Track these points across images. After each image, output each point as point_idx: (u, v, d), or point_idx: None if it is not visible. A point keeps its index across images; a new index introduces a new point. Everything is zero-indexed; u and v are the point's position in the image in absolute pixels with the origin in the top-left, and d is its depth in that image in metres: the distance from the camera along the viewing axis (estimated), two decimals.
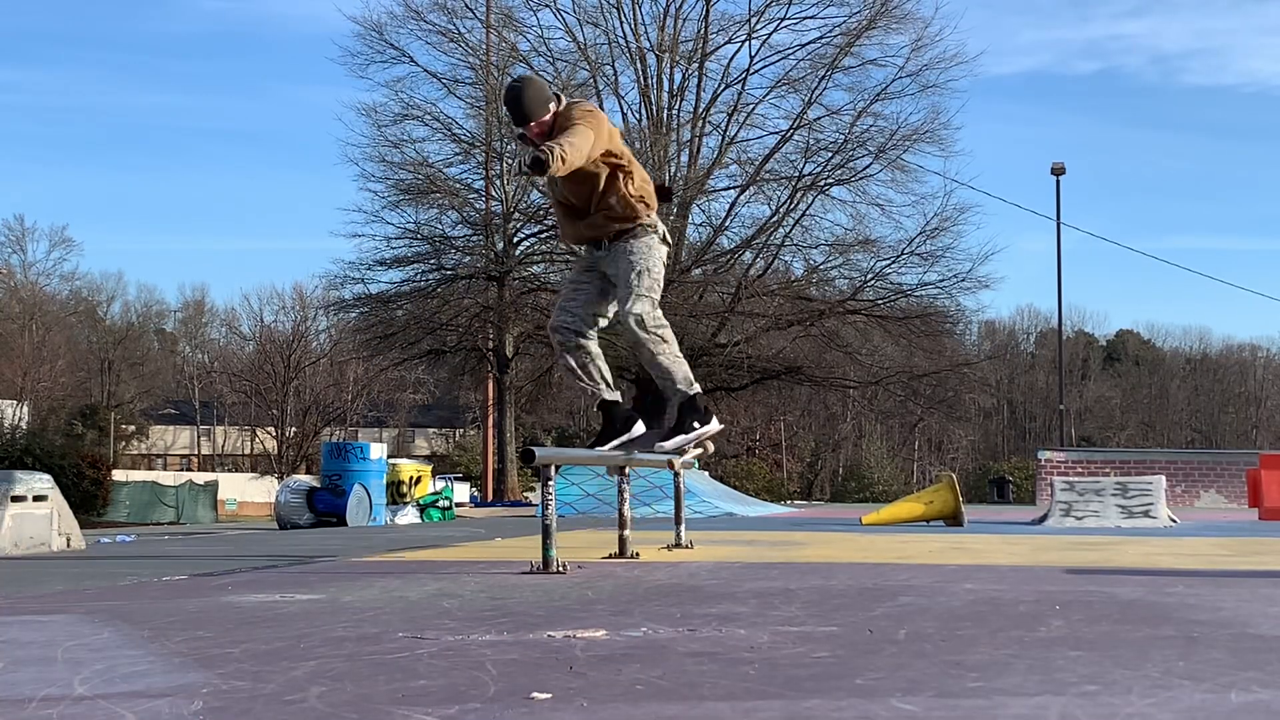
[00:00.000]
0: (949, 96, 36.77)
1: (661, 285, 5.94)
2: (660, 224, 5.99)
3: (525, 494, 33.76)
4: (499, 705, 2.22)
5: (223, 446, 73.66)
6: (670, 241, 6.14)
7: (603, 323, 6.02)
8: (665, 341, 5.82)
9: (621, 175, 5.80)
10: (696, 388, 5.93)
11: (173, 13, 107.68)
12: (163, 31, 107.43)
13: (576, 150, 5.41)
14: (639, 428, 5.93)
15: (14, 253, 66.10)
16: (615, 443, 5.89)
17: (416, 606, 3.95)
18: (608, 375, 5.95)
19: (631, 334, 5.77)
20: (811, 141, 33.20)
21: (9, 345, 57.78)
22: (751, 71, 33.80)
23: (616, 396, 5.98)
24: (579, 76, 33.47)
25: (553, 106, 5.65)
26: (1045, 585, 4.74)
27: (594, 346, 5.95)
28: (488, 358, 34.48)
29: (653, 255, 5.86)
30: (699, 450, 6.15)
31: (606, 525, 9.12)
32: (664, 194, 6.21)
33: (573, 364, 5.94)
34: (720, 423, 6.09)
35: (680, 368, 5.88)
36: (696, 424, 5.92)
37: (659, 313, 5.85)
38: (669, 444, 5.90)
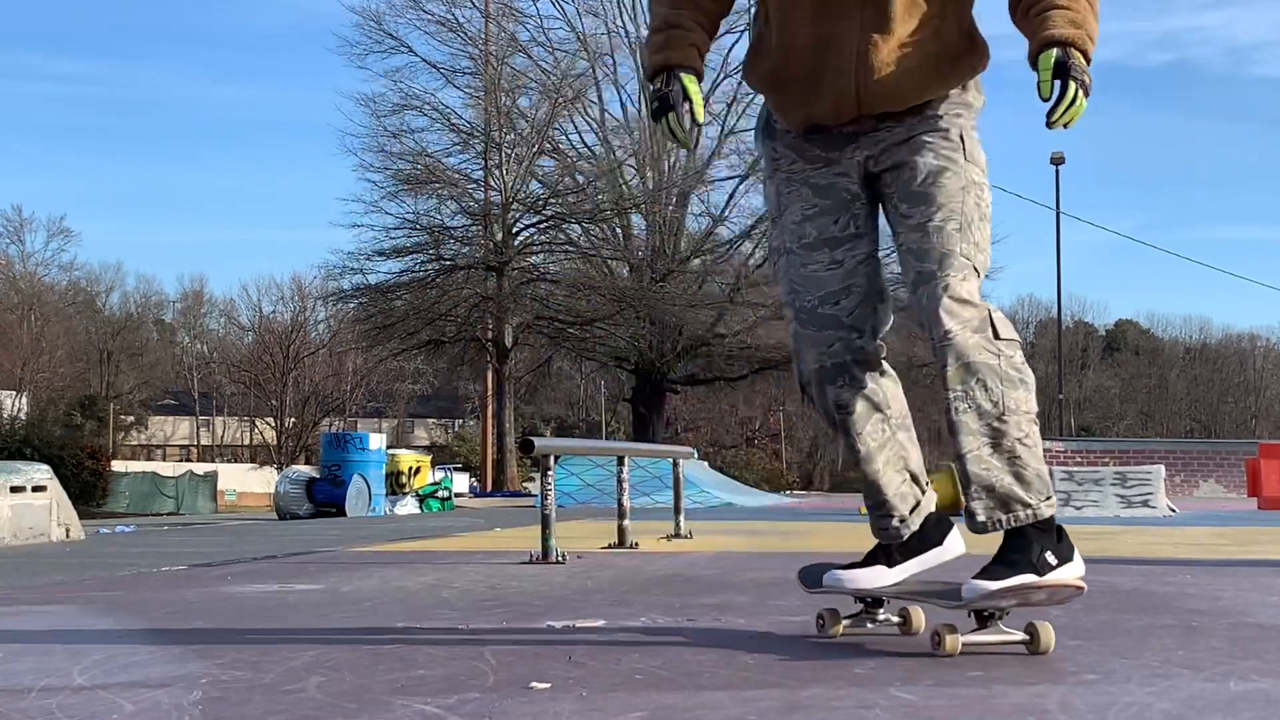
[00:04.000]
0: None
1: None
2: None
3: (524, 484, 33.79)
4: (498, 695, 2.22)
5: (222, 437, 73.71)
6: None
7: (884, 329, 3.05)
8: (1022, 383, 2.78)
9: None
10: (1053, 507, 2.85)
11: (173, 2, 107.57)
12: (160, 21, 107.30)
13: None
14: (954, 544, 3.06)
15: (12, 243, 66.11)
16: (912, 569, 3.01)
17: (415, 596, 3.95)
18: (916, 469, 3.06)
19: (948, 352, 2.81)
20: None
21: (7, 336, 57.79)
22: None
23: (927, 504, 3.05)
24: (578, 67, 33.45)
25: None
26: None
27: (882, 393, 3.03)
28: (487, 348, 34.48)
29: (985, 176, 2.90)
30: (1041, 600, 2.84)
31: (606, 515, 9.12)
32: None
33: (852, 419, 2.99)
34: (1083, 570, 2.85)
35: (1038, 454, 2.81)
36: (1051, 558, 2.75)
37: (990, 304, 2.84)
38: (996, 585, 2.68)
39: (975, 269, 2.82)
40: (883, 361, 3.04)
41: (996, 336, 2.77)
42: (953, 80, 2.88)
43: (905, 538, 2.99)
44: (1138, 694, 2.22)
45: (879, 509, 3.03)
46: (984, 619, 2.71)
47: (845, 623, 2.98)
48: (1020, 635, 2.71)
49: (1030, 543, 2.75)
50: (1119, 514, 11.87)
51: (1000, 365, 2.75)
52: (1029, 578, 2.70)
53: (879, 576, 2.97)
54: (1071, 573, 2.76)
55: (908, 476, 3.02)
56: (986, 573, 2.71)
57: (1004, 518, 2.77)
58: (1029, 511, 2.77)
